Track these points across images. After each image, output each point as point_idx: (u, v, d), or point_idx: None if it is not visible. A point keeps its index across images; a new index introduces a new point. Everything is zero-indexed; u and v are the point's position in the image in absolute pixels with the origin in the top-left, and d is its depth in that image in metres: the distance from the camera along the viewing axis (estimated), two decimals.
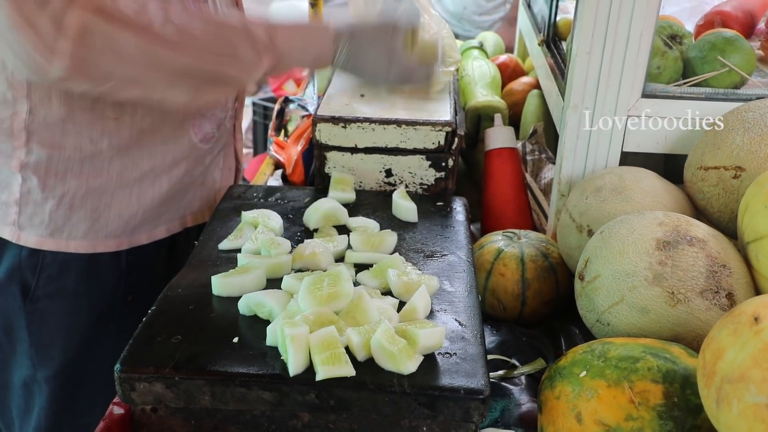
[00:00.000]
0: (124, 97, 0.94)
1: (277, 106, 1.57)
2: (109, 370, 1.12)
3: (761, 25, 1.37)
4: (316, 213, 1.04)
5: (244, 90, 1.19)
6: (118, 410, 0.81)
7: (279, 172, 1.47)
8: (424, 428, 0.78)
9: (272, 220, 1.03)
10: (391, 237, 1.00)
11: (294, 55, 0.97)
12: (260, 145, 2.99)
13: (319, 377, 0.74)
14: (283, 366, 0.76)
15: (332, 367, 0.74)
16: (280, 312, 0.82)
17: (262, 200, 1.14)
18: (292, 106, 1.55)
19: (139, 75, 0.90)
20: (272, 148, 1.50)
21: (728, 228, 0.95)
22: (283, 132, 1.58)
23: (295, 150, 1.43)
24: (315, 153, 1.19)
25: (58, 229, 1.07)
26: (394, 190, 1.16)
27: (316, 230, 1.04)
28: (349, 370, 0.74)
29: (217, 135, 1.17)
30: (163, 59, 0.89)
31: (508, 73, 1.58)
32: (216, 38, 0.92)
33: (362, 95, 1.26)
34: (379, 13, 1.06)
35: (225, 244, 0.99)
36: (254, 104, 3.04)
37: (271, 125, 1.57)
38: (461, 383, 0.75)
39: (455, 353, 0.80)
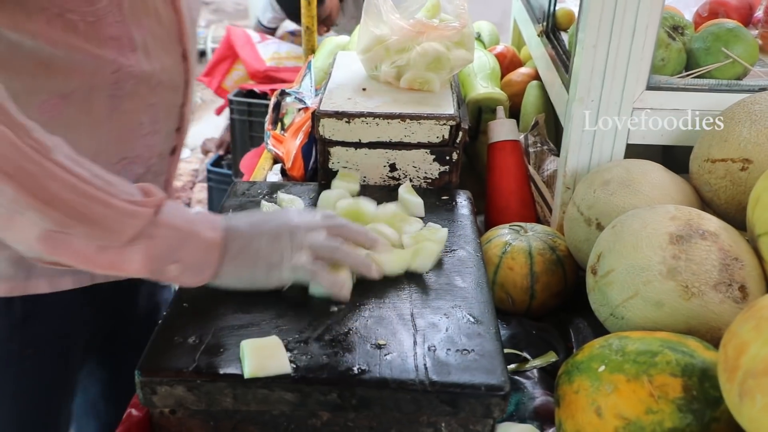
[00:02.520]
0: None
1: (273, 99, 1.56)
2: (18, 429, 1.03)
3: (759, 14, 1.38)
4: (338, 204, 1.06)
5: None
6: (136, 413, 0.81)
7: (278, 166, 1.46)
8: (443, 424, 0.78)
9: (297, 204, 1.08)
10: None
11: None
12: (240, 144, 2.93)
13: None
14: (305, 364, 0.76)
15: None
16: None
17: (266, 197, 1.14)
18: (288, 99, 1.54)
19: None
20: (270, 142, 1.49)
21: (734, 220, 0.96)
22: (279, 125, 1.57)
23: (294, 144, 1.42)
24: (318, 148, 1.18)
25: None
26: (399, 184, 1.16)
27: None
28: None
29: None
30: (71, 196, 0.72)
31: (506, 64, 1.58)
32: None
33: (364, 89, 1.26)
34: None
35: None
36: (230, 101, 2.97)
37: (268, 118, 1.55)
38: (482, 380, 0.75)
39: (473, 350, 0.80)
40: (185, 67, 1.00)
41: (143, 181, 0.97)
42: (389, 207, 1.05)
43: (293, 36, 3.22)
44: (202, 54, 5.62)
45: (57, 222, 0.71)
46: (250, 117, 2.86)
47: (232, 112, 2.92)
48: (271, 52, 2.91)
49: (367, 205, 1.04)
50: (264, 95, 2.78)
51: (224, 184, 3.09)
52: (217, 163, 3.25)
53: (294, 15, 2.70)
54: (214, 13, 7.08)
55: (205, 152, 4.33)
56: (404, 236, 0.98)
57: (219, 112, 3.12)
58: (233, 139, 3.00)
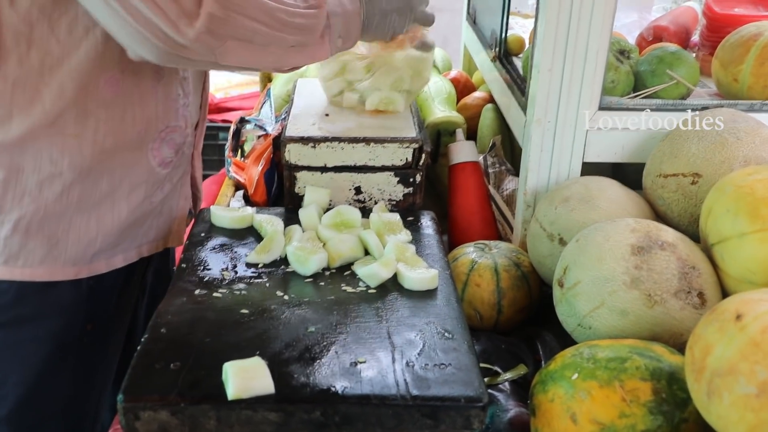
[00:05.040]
0: (234, 62, 0.94)
1: (233, 127, 1.57)
2: (68, 408, 1.13)
3: (695, 38, 1.46)
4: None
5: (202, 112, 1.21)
6: None
7: (240, 192, 1.46)
8: None
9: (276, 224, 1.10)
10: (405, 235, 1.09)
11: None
12: (206, 166, 2.91)
13: None
14: (287, 384, 0.77)
15: None
16: None
17: None
18: (248, 126, 1.55)
19: (261, 33, 0.92)
20: (232, 169, 1.50)
21: (687, 231, 1.01)
22: (239, 152, 1.58)
23: (256, 170, 1.43)
24: (285, 173, 1.20)
25: (12, 256, 1.02)
26: (364, 207, 1.19)
27: None
28: None
29: (175, 161, 1.13)
30: (282, 16, 0.94)
31: (460, 88, 1.63)
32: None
33: (327, 114, 1.28)
34: None
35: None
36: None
37: (228, 146, 1.56)
38: (460, 392, 0.78)
39: (450, 364, 0.82)
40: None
41: (181, 150, 1.13)
42: (390, 216, 1.12)
43: None
44: None
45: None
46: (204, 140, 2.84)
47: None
48: (213, 84, 2.91)
49: (352, 212, 1.11)
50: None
51: None
52: None
53: None
54: None
55: None
56: (388, 244, 1.04)
57: None
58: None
